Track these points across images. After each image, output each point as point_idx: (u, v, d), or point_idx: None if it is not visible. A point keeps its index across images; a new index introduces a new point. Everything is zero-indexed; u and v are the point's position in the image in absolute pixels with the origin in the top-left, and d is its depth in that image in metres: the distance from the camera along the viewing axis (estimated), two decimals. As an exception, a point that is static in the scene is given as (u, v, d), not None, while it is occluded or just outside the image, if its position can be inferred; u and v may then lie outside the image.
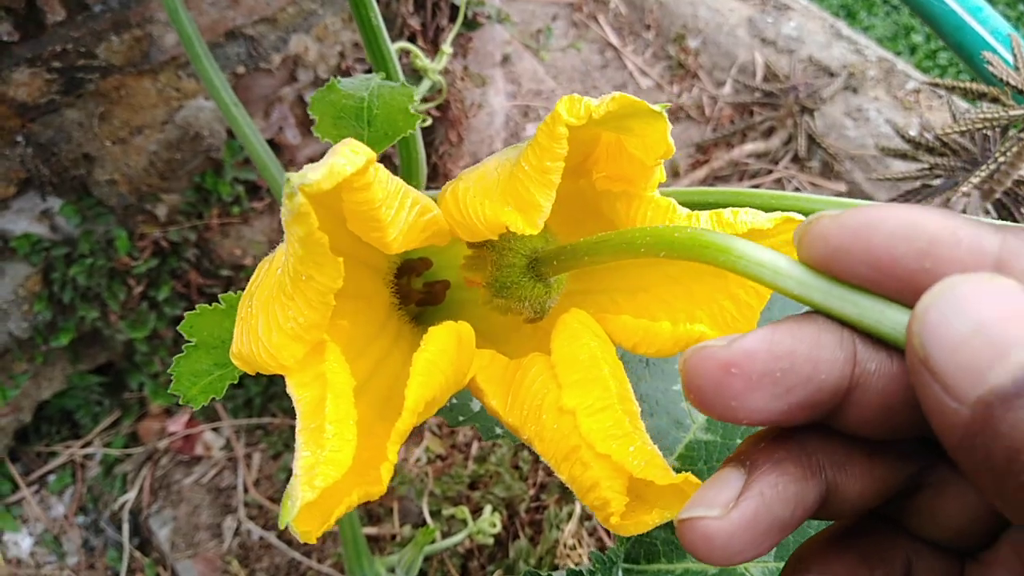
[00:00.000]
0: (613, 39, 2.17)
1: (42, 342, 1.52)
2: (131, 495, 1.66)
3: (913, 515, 0.31)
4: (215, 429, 1.71)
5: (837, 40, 2.20)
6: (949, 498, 0.30)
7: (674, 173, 2.08)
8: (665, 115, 0.37)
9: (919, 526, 0.31)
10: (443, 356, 0.38)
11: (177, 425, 1.70)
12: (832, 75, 2.11)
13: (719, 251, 0.31)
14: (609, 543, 1.34)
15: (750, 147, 2.06)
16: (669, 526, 0.75)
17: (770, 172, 2.05)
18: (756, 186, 2.05)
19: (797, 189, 2.03)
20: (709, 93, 2.17)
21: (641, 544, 0.71)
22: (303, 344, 0.35)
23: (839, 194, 2.02)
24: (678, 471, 0.79)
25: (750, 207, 0.42)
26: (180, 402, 0.51)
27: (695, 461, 0.75)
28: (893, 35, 2.98)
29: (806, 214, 0.57)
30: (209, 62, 0.98)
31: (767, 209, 0.55)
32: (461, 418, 0.76)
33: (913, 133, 2.03)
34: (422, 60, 1.18)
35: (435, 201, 0.42)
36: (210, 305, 0.53)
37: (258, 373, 0.36)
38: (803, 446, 0.30)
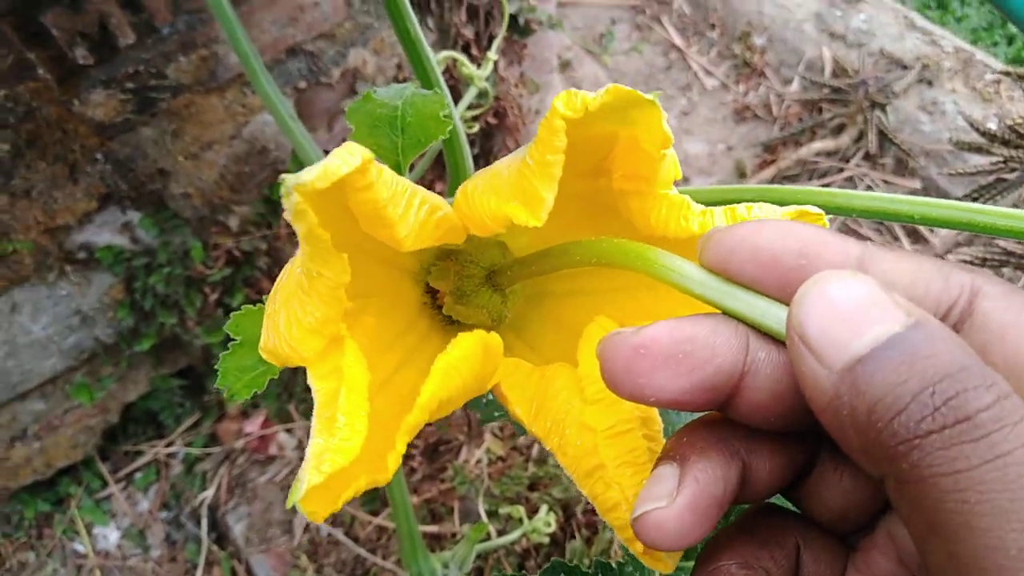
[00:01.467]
0: (677, 40, 2.15)
1: (126, 347, 1.62)
2: (210, 492, 1.74)
3: (805, 498, 0.36)
4: (288, 430, 1.78)
5: (910, 31, 2.13)
6: (832, 482, 0.34)
7: (741, 174, 2.05)
8: (658, 103, 0.38)
9: (809, 509, 0.36)
10: (465, 363, 0.39)
11: (253, 426, 1.78)
12: (905, 68, 2.04)
13: (637, 257, 0.35)
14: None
15: (819, 145, 2.02)
16: None
17: (841, 170, 2.00)
18: (826, 185, 2.00)
19: (869, 187, 1.98)
20: (776, 91, 2.13)
21: None
22: (321, 338, 0.37)
23: (913, 191, 1.96)
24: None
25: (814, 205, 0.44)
26: (225, 396, 0.54)
27: None
28: (989, 24, 2.85)
29: (848, 212, 0.56)
30: (267, 79, 1.03)
31: (832, 208, 0.55)
32: (497, 414, 0.78)
33: (991, 126, 1.95)
34: (468, 68, 1.20)
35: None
36: (254, 306, 0.56)
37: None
38: (720, 435, 0.34)
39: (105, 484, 1.80)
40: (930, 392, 0.25)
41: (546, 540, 1.40)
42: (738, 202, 0.57)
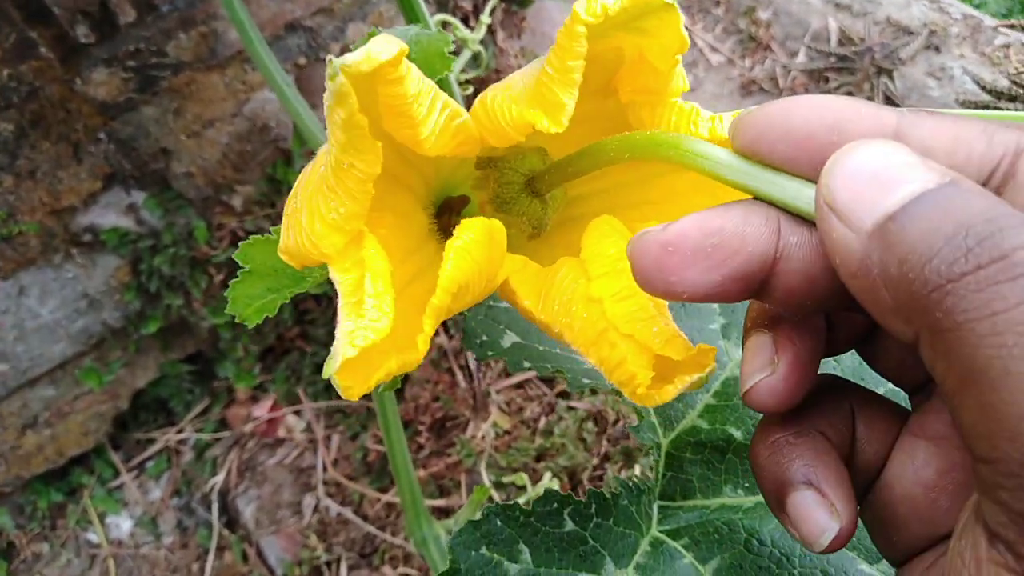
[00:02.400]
0: (682, 17, 2.14)
1: (133, 330, 1.62)
2: (220, 477, 1.74)
3: (874, 353, 0.37)
4: (296, 413, 1.77)
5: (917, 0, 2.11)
6: (893, 341, 0.34)
7: (747, 147, 2.04)
8: (676, 5, 0.38)
9: (877, 363, 0.37)
10: (476, 244, 0.39)
11: (262, 410, 1.78)
12: (911, 34, 2.02)
13: (669, 147, 0.35)
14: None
15: (826, 116, 2.00)
16: (704, 463, 0.74)
17: (848, 140, 1.98)
18: (834, 155, 1.99)
19: (878, 156, 1.96)
20: (782, 63, 2.11)
21: (677, 481, 0.71)
22: (344, 234, 0.37)
23: (923, 158, 1.93)
24: (714, 407, 0.77)
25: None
26: (236, 320, 0.54)
27: (731, 397, 0.75)
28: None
29: None
30: (267, 55, 1.03)
31: None
32: (490, 353, 0.77)
33: (1000, 86, 1.92)
34: (462, 31, 1.20)
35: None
36: (262, 235, 0.56)
37: None
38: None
39: (117, 473, 1.81)
40: (963, 234, 0.24)
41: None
42: None
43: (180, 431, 1.82)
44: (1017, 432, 0.23)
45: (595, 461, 1.41)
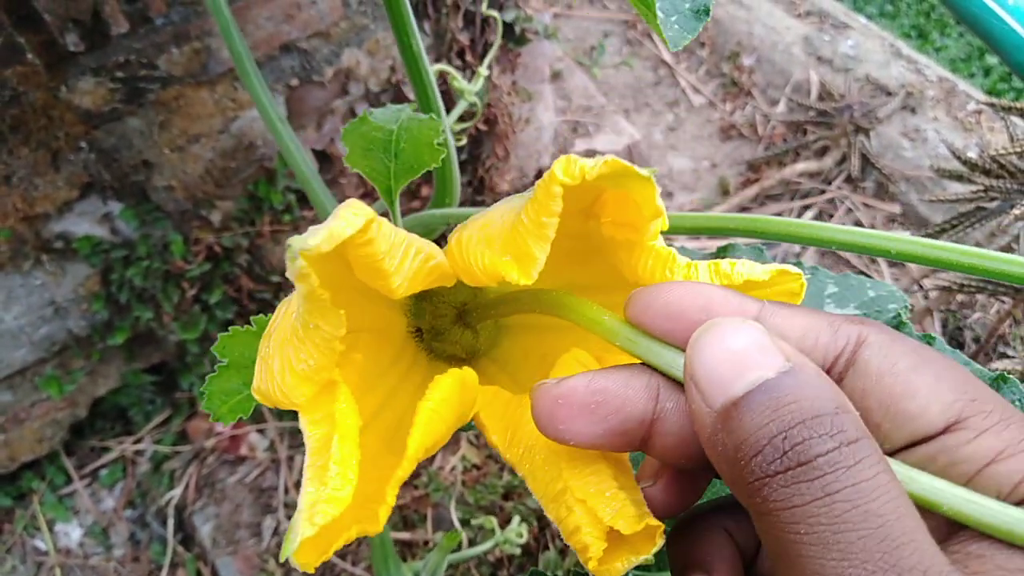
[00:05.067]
0: (666, 56, 2.17)
1: (99, 340, 1.58)
2: (177, 492, 1.71)
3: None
4: (260, 431, 1.75)
5: (896, 59, 2.16)
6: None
7: (724, 191, 2.07)
8: (653, 180, 0.39)
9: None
10: (445, 405, 0.40)
11: (224, 425, 1.75)
12: (889, 94, 2.07)
13: (572, 310, 0.40)
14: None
15: (802, 166, 2.04)
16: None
17: (822, 192, 2.02)
18: (807, 206, 2.02)
19: (850, 210, 2.00)
20: (762, 111, 2.15)
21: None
22: (313, 384, 0.38)
23: (892, 215, 1.98)
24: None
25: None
26: (211, 419, 0.54)
27: None
28: (967, 56, 2.90)
29: (828, 244, 0.57)
30: (257, 78, 1.01)
31: (811, 240, 0.57)
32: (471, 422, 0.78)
33: (971, 155, 1.98)
34: (459, 82, 1.20)
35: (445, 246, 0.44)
36: (242, 327, 0.55)
37: None
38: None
39: (69, 480, 1.76)
40: (783, 437, 0.29)
41: (518, 551, 1.39)
42: (721, 230, 0.61)
43: (138, 441, 1.79)
44: None
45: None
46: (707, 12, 0.55)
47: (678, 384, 0.35)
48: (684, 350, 0.35)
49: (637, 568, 0.42)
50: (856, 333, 0.34)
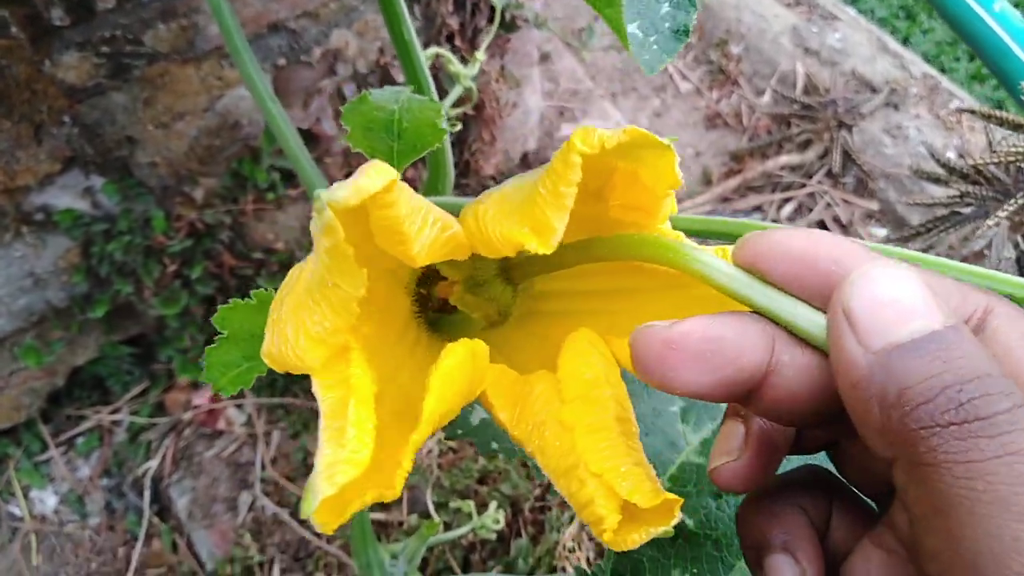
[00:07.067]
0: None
1: (79, 312, 1.58)
2: (154, 463, 1.72)
3: (842, 460, 0.40)
4: (238, 405, 1.76)
5: (882, 54, 2.18)
6: (861, 450, 0.38)
7: (707, 181, 2.08)
8: (673, 148, 0.39)
9: (843, 469, 0.40)
10: (459, 371, 0.40)
11: (202, 398, 1.76)
12: (874, 91, 2.09)
13: (670, 251, 0.38)
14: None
15: (785, 159, 2.06)
16: (656, 543, 0.77)
17: (803, 186, 2.04)
18: (788, 199, 2.05)
19: (829, 205, 2.03)
20: (748, 101, 2.16)
21: (628, 560, 0.73)
22: (327, 347, 0.38)
23: (871, 212, 2.01)
24: (669, 491, 0.81)
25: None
26: (212, 390, 0.54)
27: (685, 483, 0.77)
28: (953, 40, 2.90)
29: None
30: (248, 56, 1.00)
31: None
32: (460, 431, 0.79)
33: (951, 155, 2.01)
34: (455, 65, 1.20)
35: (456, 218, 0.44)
36: (243, 299, 0.55)
37: None
38: None
39: (45, 447, 1.77)
40: (958, 389, 0.28)
41: (493, 536, 1.42)
42: (723, 235, 0.60)
43: (115, 411, 1.79)
44: (974, 565, 0.27)
45: (537, 492, 1.44)
46: (687, 32, 0.52)
47: (796, 338, 0.34)
48: (805, 301, 0.34)
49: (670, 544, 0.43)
50: (985, 302, 0.33)
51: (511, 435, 0.44)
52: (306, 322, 0.37)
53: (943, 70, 2.47)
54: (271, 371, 0.42)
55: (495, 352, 0.53)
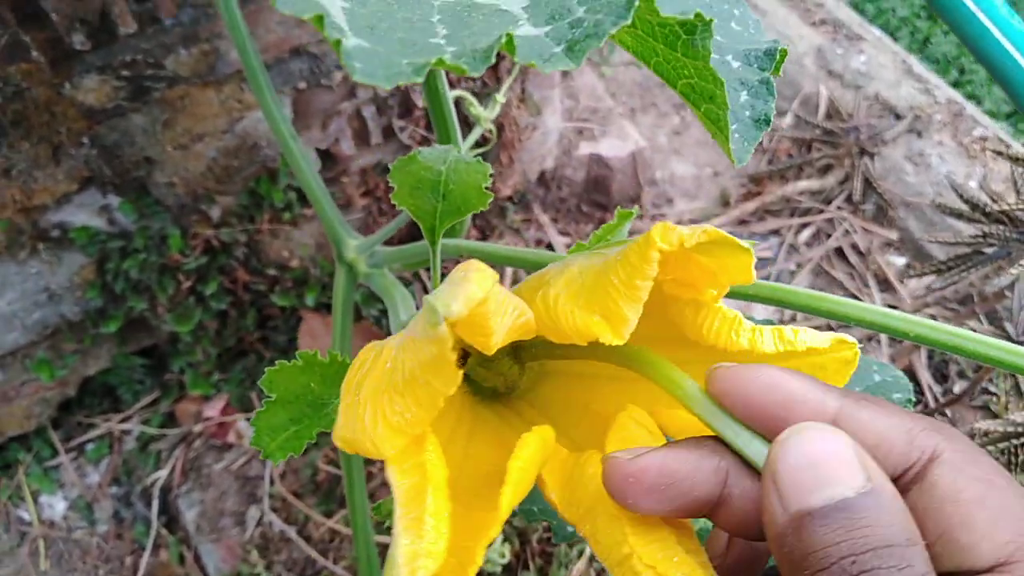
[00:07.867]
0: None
1: (92, 326, 1.58)
2: (163, 473, 1.73)
3: None
4: (249, 419, 1.76)
5: (907, 78, 2.15)
6: None
7: (724, 202, 2.07)
8: (752, 251, 0.39)
9: None
10: (532, 463, 0.41)
11: (213, 411, 1.76)
12: (898, 117, 2.06)
13: (653, 368, 0.41)
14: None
15: (804, 184, 2.04)
16: None
17: (821, 212, 2.03)
18: (806, 224, 2.03)
19: (847, 232, 2.01)
20: (768, 123, 2.14)
21: None
22: (405, 437, 0.38)
23: (889, 241, 1.99)
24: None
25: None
26: (261, 457, 0.53)
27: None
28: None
29: (867, 325, 0.58)
30: (264, 79, 0.99)
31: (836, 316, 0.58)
32: (536, 508, 0.77)
33: (973, 184, 1.99)
34: (476, 108, 1.19)
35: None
36: (288, 360, 0.55)
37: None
38: None
39: (55, 453, 1.77)
40: (851, 561, 0.30)
41: (498, 569, 1.42)
42: (785, 303, 0.60)
43: (125, 419, 1.80)
44: None
45: (545, 524, 1.44)
46: (768, 121, 0.54)
47: (748, 466, 0.37)
48: (762, 436, 0.37)
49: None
50: (932, 447, 0.34)
51: (563, 516, 0.44)
52: (387, 411, 0.37)
53: (969, 96, 2.44)
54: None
55: (532, 410, 0.53)
